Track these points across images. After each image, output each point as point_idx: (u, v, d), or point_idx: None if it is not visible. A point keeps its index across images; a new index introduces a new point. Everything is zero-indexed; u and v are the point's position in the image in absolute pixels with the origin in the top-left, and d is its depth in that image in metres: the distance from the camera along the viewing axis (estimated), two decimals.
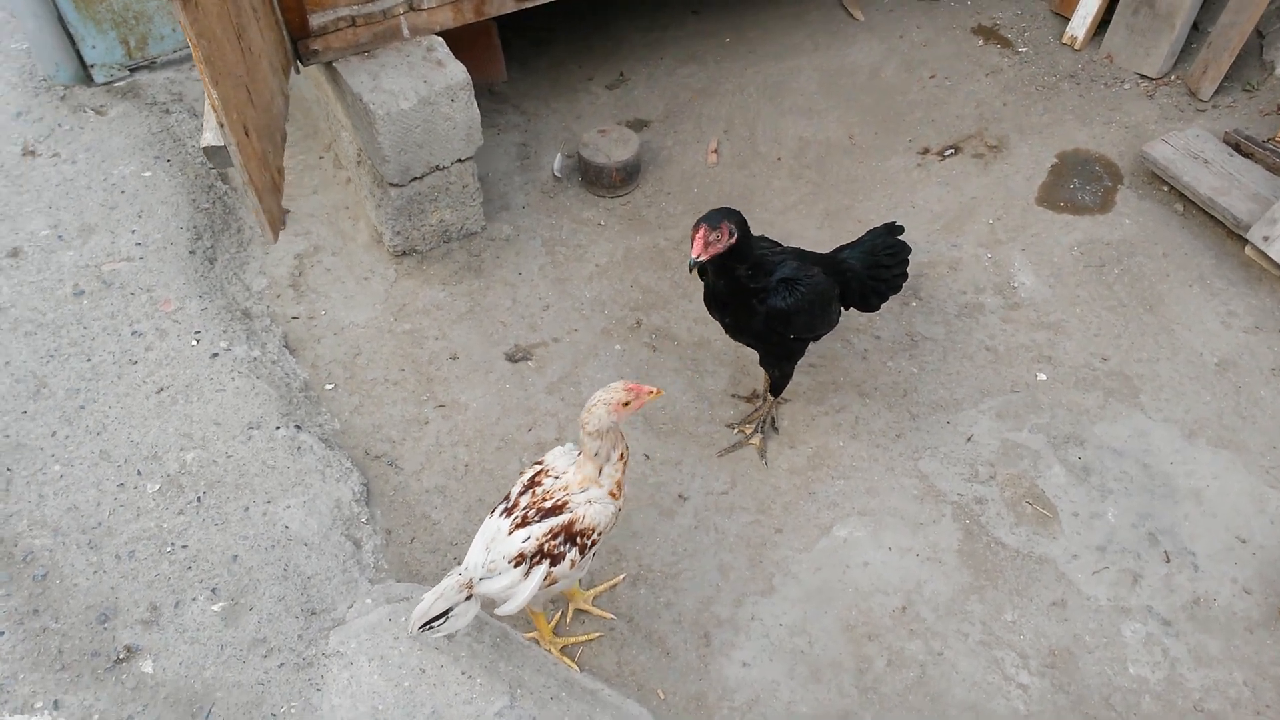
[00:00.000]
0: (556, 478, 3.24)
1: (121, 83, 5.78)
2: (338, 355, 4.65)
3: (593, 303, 4.87)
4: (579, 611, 3.78)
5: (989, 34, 6.20)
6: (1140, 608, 3.80)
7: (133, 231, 4.85)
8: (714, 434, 4.36)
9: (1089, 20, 5.90)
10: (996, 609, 3.80)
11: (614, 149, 5.26)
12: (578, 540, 3.14)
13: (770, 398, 4.20)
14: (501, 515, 3.21)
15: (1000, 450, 4.27)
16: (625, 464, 3.24)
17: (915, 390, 4.48)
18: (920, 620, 3.77)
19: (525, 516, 3.16)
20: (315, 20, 4.51)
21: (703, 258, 3.32)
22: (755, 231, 3.99)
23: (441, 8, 4.73)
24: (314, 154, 5.58)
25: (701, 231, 3.30)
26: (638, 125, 5.75)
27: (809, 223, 5.18)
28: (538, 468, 3.31)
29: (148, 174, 5.21)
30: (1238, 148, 5.11)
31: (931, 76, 5.97)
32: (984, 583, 3.87)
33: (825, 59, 6.12)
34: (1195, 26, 5.77)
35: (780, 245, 3.89)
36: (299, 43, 4.53)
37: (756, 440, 4.27)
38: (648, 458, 4.27)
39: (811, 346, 4.55)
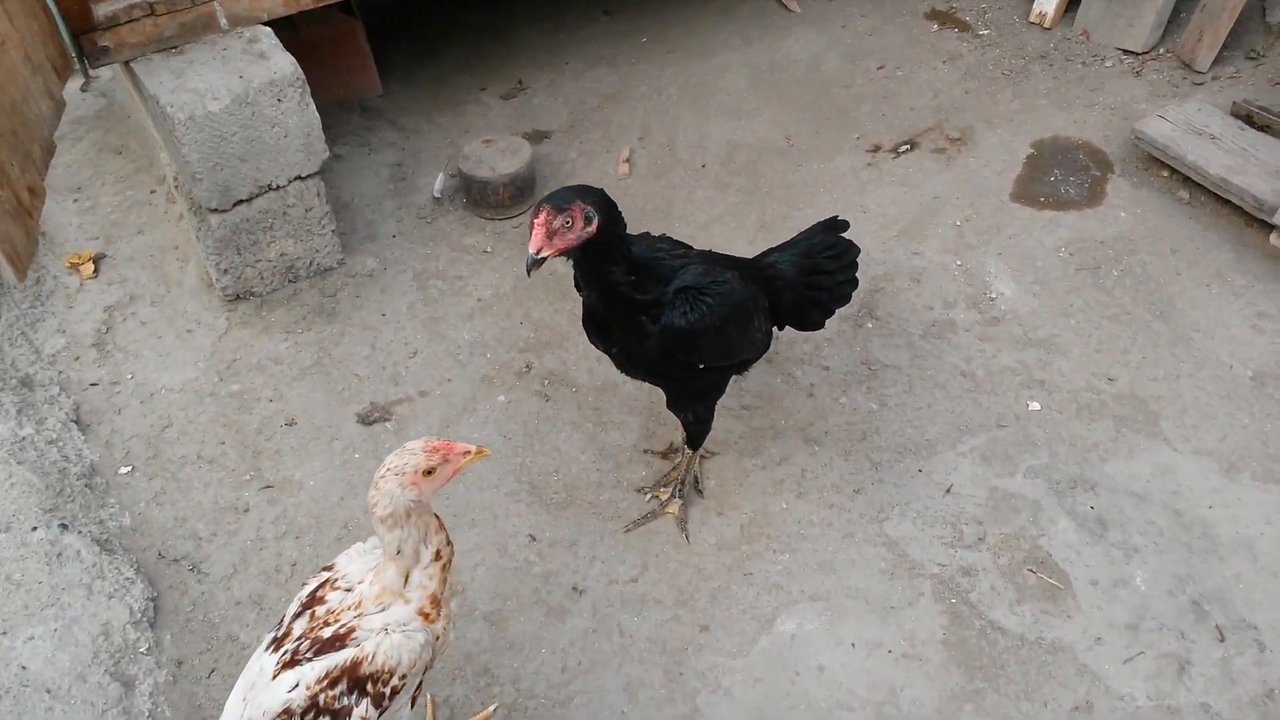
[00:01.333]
0: (348, 590, 2.24)
1: None
2: (141, 429, 3.65)
3: (472, 345, 3.90)
4: None
5: (944, 18, 5.36)
6: (1193, 707, 2.80)
7: None
8: (620, 502, 3.37)
9: None
10: None
11: (500, 160, 4.33)
12: (368, 688, 2.12)
13: (688, 451, 3.22)
14: (269, 649, 2.21)
15: (989, 503, 3.29)
16: (447, 567, 2.25)
17: (877, 432, 3.52)
18: None
19: (296, 651, 2.15)
20: (101, 9, 3.60)
21: (546, 253, 2.37)
22: None
23: None
24: (146, 188, 4.64)
25: (542, 216, 2.35)
26: (537, 137, 4.84)
27: (740, 235, 4.25)
28: (324, 575, 2.31)
29: None
30: (1249, 120, 4.24)
31: (880, 67, 5.10)
32: (981, 685, 2.87)
33: (756, 54, 5.25)
34: None
35: (688, 248, 2.94)
36: (82, 38, 3.60)
37: (674, 508, 3.28)
38: (533, 539, 3.27)
39: (739, 382, 3.59)
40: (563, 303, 4.03)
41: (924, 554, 3.17)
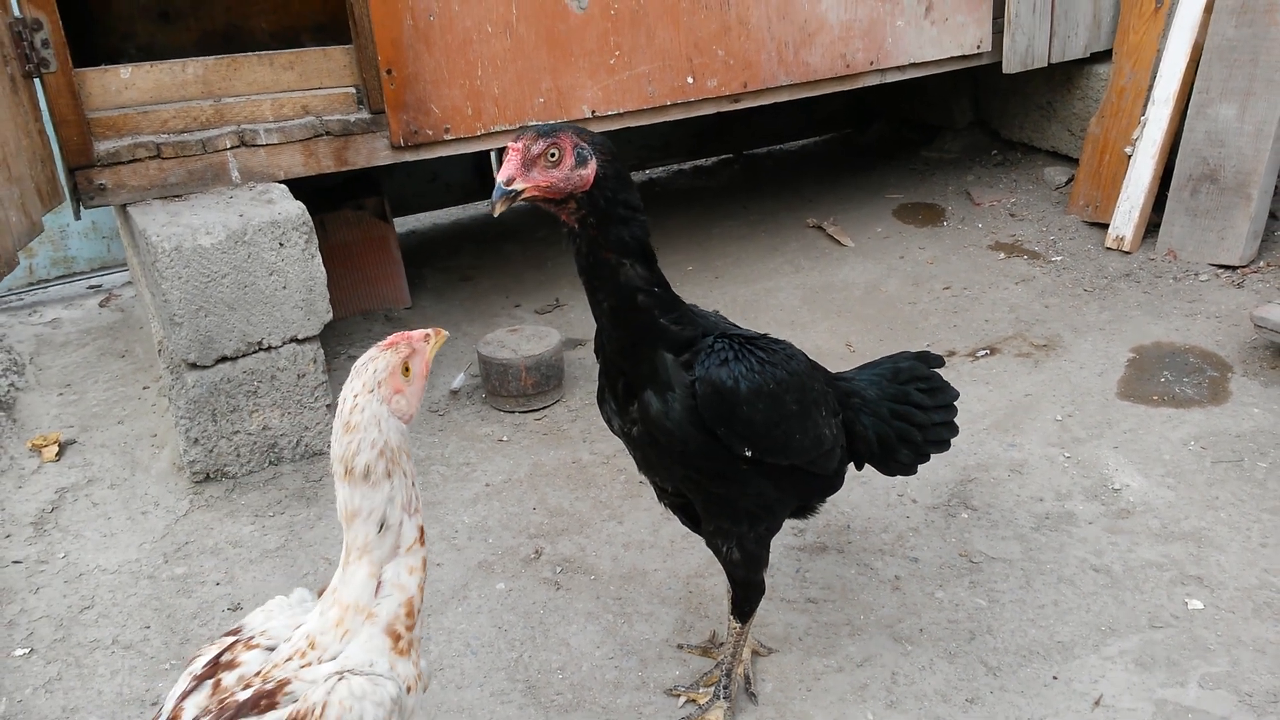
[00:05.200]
0: (271, 648, 1.59)
1: None
2: (55, 609, 2.93)
3: (472, 529, 3.20)
4: None
5: (1011, 249, 5.03)
6: None
7: None
8: (644, 707, 2.50)
9: (1136, 214, 4.73)
10: None
11: (524, 344, 3.86)
12: None
13: (736, 625, 2.40)
14: None
15: (1159, 719, 2.37)
16: (424, 558, 1.65)
17: (989, 632, 2.66)
18: None
19: None
20: (103, 146, 3.36)
21: (520, 185, 1.80)
22: None
23: (287, 147, 3.59)
24: (138, 386, 4.21)
25: (521, 142, 1.81)
26: (571, 344, 4.41)
27: None
28: (229, 640, 1.63)
29: None
30: None
31: (946, 288, 4.70)
32: None
33: (808, 279, 4.91)
34: (1272, 215, 4.58)
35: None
36: (78, 173, 3.33)
37: (717, 714, 2.41)
38: None
39: (802, 563, 2.83)
40: (584, 490, 3.36)
41: None
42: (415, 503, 1.63)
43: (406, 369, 1.62)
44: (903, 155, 6.31)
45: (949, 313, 4.47)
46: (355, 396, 1.57)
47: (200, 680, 1.53)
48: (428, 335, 1.69)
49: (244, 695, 1.48)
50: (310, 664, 1.51)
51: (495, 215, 1.83)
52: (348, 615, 1.56)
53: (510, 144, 1.83)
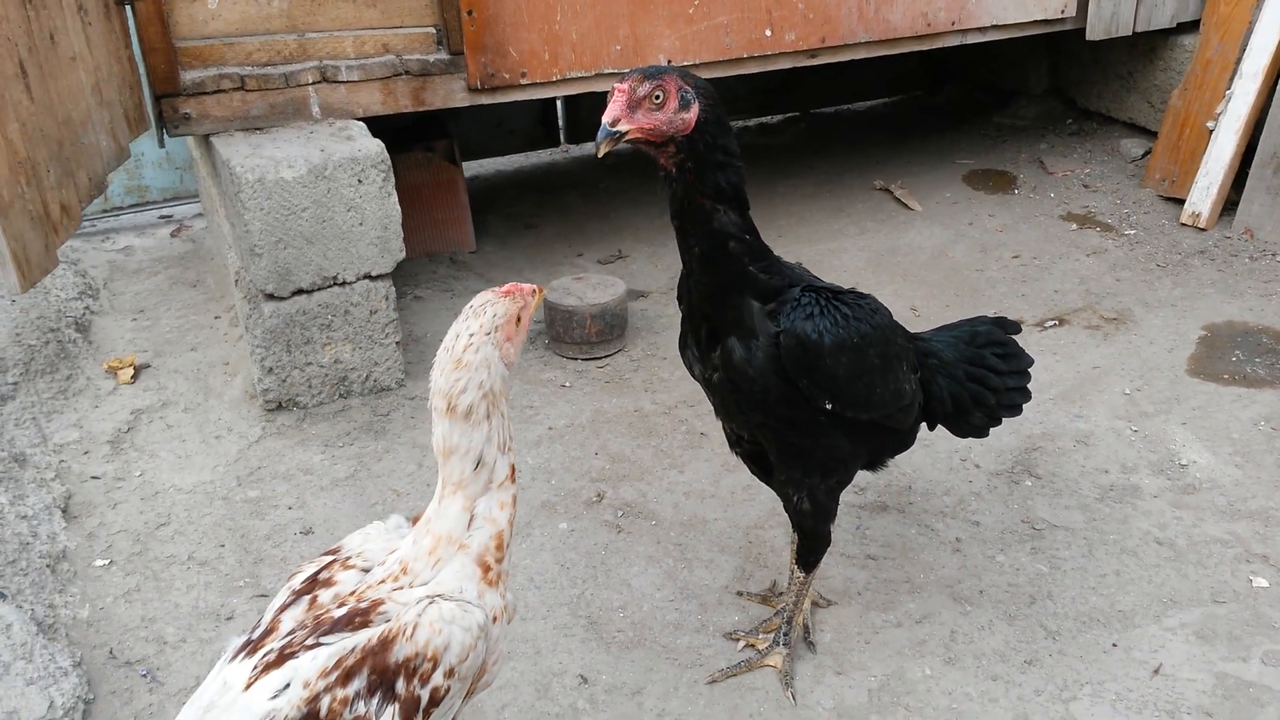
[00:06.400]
0: (366, 570, 1.65)
1: None
2: (133, 524, 3.04)
3: (535, 471, 3.25)
4: None
5: (1084, 220, 4.95)
6: None
7: None
8: (704, 649, 2.55)
9: (1214, 191, 4.63)
10: None
11: (590, 292, 3.88)
12: (399, 686, 1.49)
13: (800, 576, 2.43)
14: (239, 656, 1.57)
15: (1219, 691, 2.37)
16: (515, 495, 1.71)
17: (1049, 597, 2.67)
18: None
19: (290, 645, 1.53)
20: (189, 75, 3.41)
21: (624, 127, 1.82)
22: None
23: (366, 85, 3.62)
24: (209, 315, 4.30)
25: (627, 83, 1.83)
26: (634, 295, 4.42)
27: None
28: (328, 559, 1.70)
29: None
30: None
31: (1015, 257, 4.64)
32: None
33: (873, 241, 4.87)
34: None
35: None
36: (164, 101, 3.39)
37: (776, 659, 2.44)
38: (585, 682, 2.44)
39: (863, 521, 2.84)
40: (646, 439, 3.40)
41: None
42: (509, 442, 1.67)
43: (518, 318, 1.66)
44: (974, 120, 6.21)
45: (1017, 281, 4.43)
46: (471, 336, 1.59)
47: (299, 595, 1.60)
48: (534, 290, 1.73)
49: (339, 612, 1.54)
50: (403, 588, 1.57)
51: (599, 156, 1.85)
52: (440, 545, 1.61)
53: (616, 85, 1.84)
